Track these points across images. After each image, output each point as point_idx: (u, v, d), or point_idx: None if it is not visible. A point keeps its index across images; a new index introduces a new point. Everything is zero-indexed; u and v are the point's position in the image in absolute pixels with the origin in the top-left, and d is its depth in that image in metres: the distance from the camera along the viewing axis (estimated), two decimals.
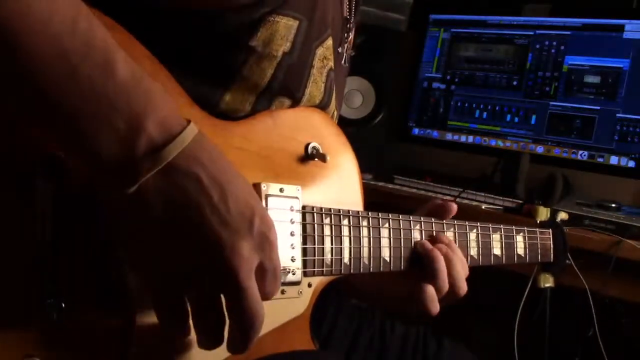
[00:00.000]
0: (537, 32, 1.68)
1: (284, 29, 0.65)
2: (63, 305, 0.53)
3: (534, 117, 1.65)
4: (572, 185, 1.61)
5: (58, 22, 0.46)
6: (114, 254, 0.55)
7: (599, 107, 1.56)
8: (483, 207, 1.44)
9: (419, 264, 0.79)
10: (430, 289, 0.77)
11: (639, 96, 1.51)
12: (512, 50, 1.71)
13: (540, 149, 1.64)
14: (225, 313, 0.54)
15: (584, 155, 1.58)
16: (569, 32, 1.63)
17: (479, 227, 0.89)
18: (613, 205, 1.38)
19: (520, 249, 0.96)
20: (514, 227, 0.95)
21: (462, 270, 0.80)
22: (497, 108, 1.71)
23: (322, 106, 0.77)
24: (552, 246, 1.04)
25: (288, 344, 0.70)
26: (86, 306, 0.55)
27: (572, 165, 1.60)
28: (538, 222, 1.08)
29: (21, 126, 0.52)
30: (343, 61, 0.83)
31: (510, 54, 1.71)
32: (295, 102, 0.72)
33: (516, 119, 1.68)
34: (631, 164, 1.51)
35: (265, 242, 0.54)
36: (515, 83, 1.69)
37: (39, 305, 0.52)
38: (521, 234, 0.97)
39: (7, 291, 0.51)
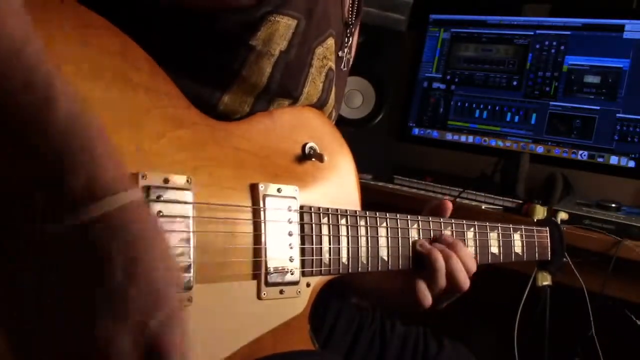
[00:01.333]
0: (537, 32, 1.68)
1: (284, 28, 0.66)
2: None
3: (534, 117, 1.65)
4: (572, 185, 1.61)
5: (5, 43, 0.42)
6: None
7: (599, 107, 1.56)
8: (483, 207, 1.44)
9: (420, 262, 0.81)
10: (421, 282, 0.79)
11: (639, 96, 1.51)
12: (512, 50, 1.71)
13: (540, 149, 1.64)
14: None
15: (584, 155, 1.58)
16: (569, 32, 1.63)
17: (476, 226, 0.89)
18: (613, 205, 1.38)
19: (517, 247, 0.96)
20: (511, 226, 0.96)
21: (462, 266, 0.81)
22: (497, 108, 1.71)
23: (319, 105, 0.77)
24: (549, 244, 1.04)
25: (287, 343, 0.70)
26: None
27: (572, 165, 1.59)
28: (535, 220, 1.08)
29: None
30: (342, 65, 0.84)
31: (510, 54, 1.71)
32: (294, 102, 0.72)
33: (516, 119, 1.68)
34: (631, 164, 1.51)
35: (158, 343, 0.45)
36: (515, 83, 1.69)
37: None
38: (518, 232, 0.97)
39: None
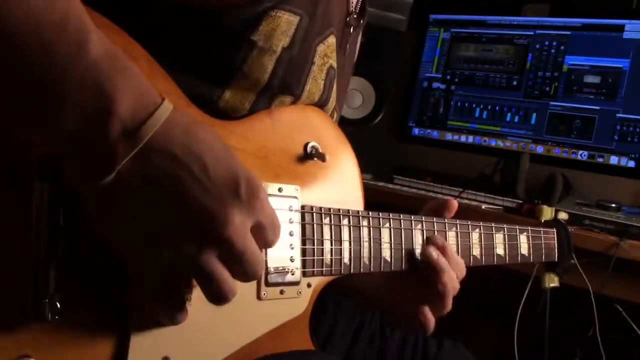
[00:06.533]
0: (537, 32, 1.68)
1: (285, 24, 0.65)
2: (58, 304, 0.53)
3: (533, 117, 1.65)
4: (572, 185, 1.61)
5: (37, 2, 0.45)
6: (109, 253, 0.55)
7: (599, 107, 1.56)
8: (483, 207, 1.44)
9: (422, 272, 0.79)
10: (427, 310, 0.79)
11: (639, 96, 1.51)
12: (512, 50, 1.71)
13: (540, 149, 1.64)
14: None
15: (584, 155, 1.58)
16: (569, 32, 1.63)
17: (481, 227, 0.88)
18: (613, 205, 1.38)
19: (524, 249, 0.95)
20: (517, 227, 0.95)
21: (456, 277, 0.80)
22: (497, 108, 1.71)
23: (321, 104, 0.76)
24: (556, 246, 1.04)
25: (287, 344, 0.70)
26: (82, 305, 0.55)
27: (572, 165, 1.59)
28: (542, 221, 1.07)
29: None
30: (345, 53, 0.83)
31: (510, 54, 1.71)
32: (295, 99, 0.72)
33: (516, 119, 1.68)
34: (631, 164, 1.51)
35: (255, 202, 0.53)
36: (515, 83, 1.69)
37: (34, 305, 0.52)
38: (524, 233, 0.96)
39: (2, 291, 0.51)
